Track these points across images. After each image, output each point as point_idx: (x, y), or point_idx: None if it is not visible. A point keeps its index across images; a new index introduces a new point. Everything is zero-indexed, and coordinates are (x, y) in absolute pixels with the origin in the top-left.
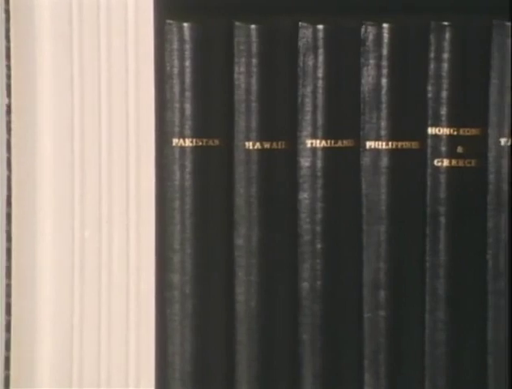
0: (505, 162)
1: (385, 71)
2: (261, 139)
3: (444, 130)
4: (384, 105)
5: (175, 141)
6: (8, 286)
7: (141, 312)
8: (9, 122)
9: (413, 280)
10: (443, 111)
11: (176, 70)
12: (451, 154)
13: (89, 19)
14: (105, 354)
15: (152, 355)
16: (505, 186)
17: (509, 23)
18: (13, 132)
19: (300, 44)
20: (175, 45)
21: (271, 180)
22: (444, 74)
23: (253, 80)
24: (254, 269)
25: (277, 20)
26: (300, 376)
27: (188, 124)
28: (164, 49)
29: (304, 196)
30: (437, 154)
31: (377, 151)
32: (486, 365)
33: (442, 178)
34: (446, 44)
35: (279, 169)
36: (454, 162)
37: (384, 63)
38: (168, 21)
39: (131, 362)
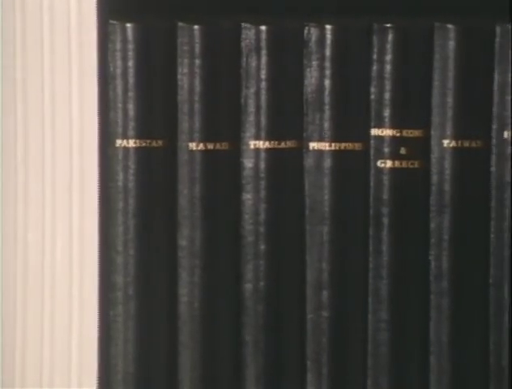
0: (447, 163)
1: (328, 72)
2: (204, 140)
3: (387, 132)
4: (327, 106)
5: (118, 142)
6: None
7: (84, 313)
8: None
9: (356, 281)
10: (386, 112)
11: (119, 71)
12: (394, 155)
13: (32, 20)
14: (48, 354)
15: (95, 356)
16: (448, 187)
17: (451, 26)
18: None
19: (243, 45)
20: (118, 46)
21: (215, 181)
22: (387, 75)
23: (197, 81)
24: (198, 270)
25: (220, 21)
26: (243, 377)
27: (131, 125)
28: (107, 49)
29: (247, 197)
30: (380, 155)
31: (320, 152)
32: (428, 365)
33: (385, 179)
34: (389, 46)
35: (222, 170)
36: (397, 163)
37: (327, 64)
38: (111, 21)
39: (74, 363)
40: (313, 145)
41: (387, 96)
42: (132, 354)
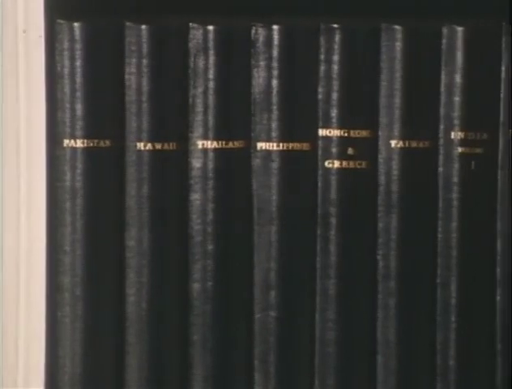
0: (395, 164)
1: (275, 73)
2: (152, 140)
3: (334, 132)
4: (275, 107)
5: (66, 142)
6: None
7: (31, 314)
8: None
9: (304, 280)
10: (333, 113)
11: (66, 70)
12: (342, 155)
13: None
14: None
15: (42, 356)
16: (395, 187)
17: (398, 27)
18: None
19: (191, 45)
20: (65, 45)
21: (163, 181)
22: (334, 75)
23: (144, 81)
24: (145, 270)
25: (168, 21)
26: (190, 377)
27: (79, 124)
28: (55, 48)
29: (195, 197)
30: (328, 155)
31: (268, 152)
32: (375, 365)
33: (333, 179)
34: (336, 47)
35: (170, 170)
36: (344, 163)
37: (274, 65)
38: (59, 21)
39: (21, 363)
40: (260, 145)
41: (335, 96)
42: (79, 354)
